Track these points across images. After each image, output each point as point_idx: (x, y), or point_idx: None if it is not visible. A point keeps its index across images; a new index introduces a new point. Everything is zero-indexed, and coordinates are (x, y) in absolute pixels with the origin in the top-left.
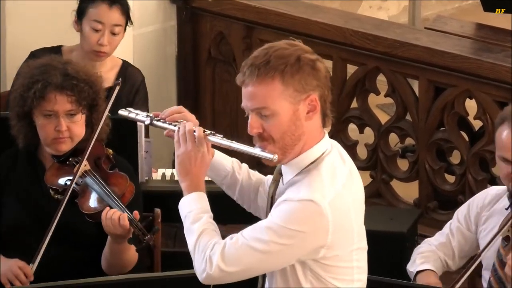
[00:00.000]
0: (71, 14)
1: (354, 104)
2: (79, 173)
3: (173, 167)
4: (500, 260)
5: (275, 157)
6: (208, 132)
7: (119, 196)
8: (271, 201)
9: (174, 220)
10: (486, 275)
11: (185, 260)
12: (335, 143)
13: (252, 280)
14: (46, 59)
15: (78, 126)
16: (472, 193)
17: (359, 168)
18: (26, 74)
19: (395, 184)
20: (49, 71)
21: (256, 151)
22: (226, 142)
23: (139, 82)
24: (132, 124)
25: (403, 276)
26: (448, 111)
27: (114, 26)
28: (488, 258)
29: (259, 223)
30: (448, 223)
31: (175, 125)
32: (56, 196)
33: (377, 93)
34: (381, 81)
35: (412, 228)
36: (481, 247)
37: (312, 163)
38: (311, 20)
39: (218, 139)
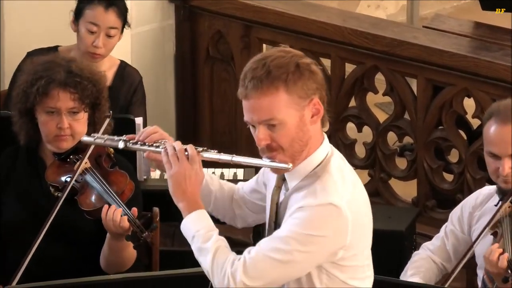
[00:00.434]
0: (69, 14)
1: (352, 103)
2: (79, 171)
3: None
4: None
5: (290, 165)
6: (200, 149)
7: (118, 193)
8: (277, 209)
9: (172, 219)
10: (480, 273)
11: (183, 259)
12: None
13: None
14: (50, 56)
15: (80, 124)
16: (470, 192)
17: (357, 167)
18: (30, 71)
19: (394, 182)
20: (53, 68)
21: (267, 162)
22: (225, 157)
23: (137, 82)
24: (130, 123)
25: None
26: (446, 110)
27: (110, 28)
28: (481, 256)
29: (276, 233)
30: (444, 225)
31: (157, 146)
32: (56, 194)
33: (375, 91)
34: (379, 79)
35: (410, 226)
36: (474, 246)
37: (317, 166)
38: (310, 19)
39: (213, 154)
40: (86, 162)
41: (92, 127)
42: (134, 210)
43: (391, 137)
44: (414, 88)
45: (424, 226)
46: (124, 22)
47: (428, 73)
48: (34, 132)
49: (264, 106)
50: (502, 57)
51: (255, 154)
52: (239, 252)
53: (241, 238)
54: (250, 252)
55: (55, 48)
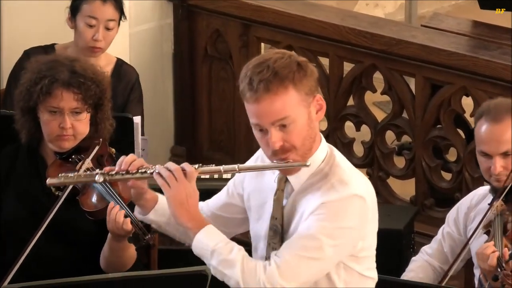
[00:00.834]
0: (64, 11)
1: (350, 101)
2: (81, 171)
3: None
4: None
5: (308, 162)
6: (196, 166)
7: (120, 194)
8: (282, 211)
9: None
10: (477, 273)
11: (182, 258)
12: None
13: None
14: (54, 55)
15: (82, 124)
16: (469, 191)
17: (355, 166)
18: (34, 69)
19: (392, 181)
20: (56, 67)
21: (282, 164)
22: (228, 167)
23: (134, 79)
24: (128, 122)
25: (399, 273)
26: (444, 109)
27: (108, 21)
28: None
29: (302, 232)
30: (441, 227)
31: (143, 172)
32: (57, 193)
33: (374, 90)
34: (378, 78)
35: (408, 225)
36: (471, 246)
37: (321, 163)
38: (308, 17)
39: (213, 167)
40: (88, 162)
41: (94, 127)
42: None
43: (390, 136)
44: (413, 87)
45: (423, 224)
46: (121, 14)
47: (426, 72)
48: (36, 131)
49: (277, 106)
50: (500, 56)
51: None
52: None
53: (240, 237)
54: (280, 256)
55: (52, 46)
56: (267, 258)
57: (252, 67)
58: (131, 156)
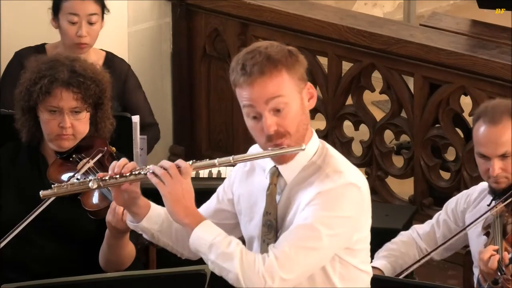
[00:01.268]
0: (47, 13)
1: (349, 101)
2: (82, 171)
3: None
4: None
5: (303, 146)
6: (190, 162)
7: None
8: (276, 206)
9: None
10: (476, 272)
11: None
12: None
13: None
14: (54, 55)
15: (82, 124)
16: None
17: (354, 165)
18: (34, 69)
19: (390, 180)
20: (56, 67)
21: (277, 150)
22: (223, 160)
23: (125, 70)
24: (127, 121)
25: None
26: (443, 108)
27: (90, 15)
28: (476, 255)
29: (299, 223)
30: (437, 213)
31: (136, 174)
32: None
33: (372, 90)
34: (376, 78)
35: (407, 224)
36: (471, 246)
37: (313, 156)
38: (306, 17)
39: (208, 161)
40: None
41: (94, 127)
42: None
43: (388, 135)
44: (411, 86)
45: (421, 224)
46: (103, 7)
47: (425, 71)
48: (36, 130)
49: (271, 87)
50: (499, 55)
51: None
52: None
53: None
54: (278, 247)
55: (42, 46)
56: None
57: (243, 55)
58: (123, 160)
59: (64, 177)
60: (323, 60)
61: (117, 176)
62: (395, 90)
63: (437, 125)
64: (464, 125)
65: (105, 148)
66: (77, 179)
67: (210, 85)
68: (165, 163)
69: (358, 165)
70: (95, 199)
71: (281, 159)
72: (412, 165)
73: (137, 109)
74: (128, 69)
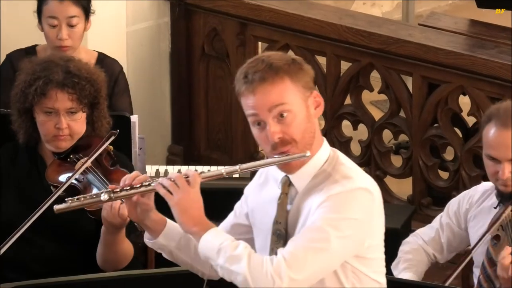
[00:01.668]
0: (34, 16)
1: (347, 100)
2: (80, 171)
3: (167, 164)
4: (489, 258)
5: (308, 153)
6: (198, 172)
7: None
8: (286, 215)
9: (168, 217)
10: (476, 272)
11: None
12: None
13: None
14: (48, 55)
15: (78, 124)
16: (466, 189)
17: None
18: (29, 70)
19: (389, 180)
20: (51, 68)
21: (282, 157)
22: (230, 169)
23: (117, 72)
24: (125, 121)
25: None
26: (441, 108)
27: (70, 18)
28: (478, 255)
29: (308, 226)
30: (438, 216)
31: (147, 185)
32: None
33: (371, 89)
34: (375, 77)
35: (406, 224)
36: (472, 244)
37: (324, 164)
38: (305, 16)
39: (214, 172)
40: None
41: (91, 127)
42: None
43: (387, 134)
44: (410, 86)
45: (420, 223)
46: (85, 8)
47: (423, 71)
48: (33, 131)
49: (274, 95)
50: (497, 54)
51: (251, 151)
52: None
53: None
54: (286, 249)
55: (33, 48)
56: None
57: (247, 64)
58: (135, 173)
59: (62, 177)
60: (322, 60)
61: (128, 188)
62: (393, 90)
63: (435, 125)
64: (462, 125)
65: (117, 130)
66: (78, 180)
67: (209, 85)
68: (173, 174)
69: (357, 165)
70: None
71: (288, 167)
72: (410, 164)
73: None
74: (119, 71)
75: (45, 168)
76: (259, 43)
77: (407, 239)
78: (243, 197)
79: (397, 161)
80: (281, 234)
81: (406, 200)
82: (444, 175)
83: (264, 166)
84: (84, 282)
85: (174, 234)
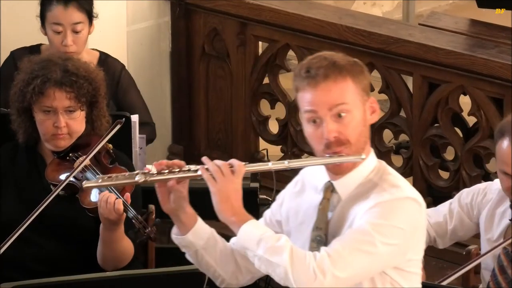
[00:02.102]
0: (37, 20)
1: None
2: (79, 169)
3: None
4: (501, 266)
5: (363, 155)
6: (243, 163)
7: (119, 190)
8: (327, 221)
9: (168, 216)
10: (485, 275)
11: (179, 256)
12: None
13: None
14: (47, 54)
15: (77, 123)
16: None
17: None
18: (27, 69)
19: None
20: (49, 66)
21: (338, 159)
22: (278, 165)
23: (119, 70)
24: (126, 121)
25: None
26: (442, 107)
27: (74, 24)
28: (486, 258)
29: (355, 228)
30: (448, 202)
31: (186, 170)
32: (60, 192)
33: (371, 89)
34: (375, 77)
35: None
36: (482, 248)
37: (370, 173)
38: (305, 16)
39: (260, 165)
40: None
41: (90, 125)
42: (127, 195)
43: (387, 134)
44: (410, 86)
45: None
46: (89, 13)
47: (424, 71)
48: (33, 131)
49: (336, 93)
50: (498, 54)
51: (251, 151)
52: None
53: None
54: (330, 246)
55: (38, 47)
56: None
57: (308, 60)
58: (171, 161)
59: (62, 176)
60: None
61: (166, 171)
62: (394, 90)
63: (436, 125)
64: (463, 125)
65: (123, 119)
66: (76, 178)
67: (209, 84)
68: (218, 161)
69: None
70: (93, 197)
71: (338, 169)
72: (411, 164)
73: (132, 109)
74: (121, 68)
75: (45, 167)
76: (260, 42)
77: None
78: (274, 205)
79: (397, 161)
80: (321, 241)
81: None
82: (445, 175)
83: (314, 164)
84: (84, 282)
85: (203, 233)
